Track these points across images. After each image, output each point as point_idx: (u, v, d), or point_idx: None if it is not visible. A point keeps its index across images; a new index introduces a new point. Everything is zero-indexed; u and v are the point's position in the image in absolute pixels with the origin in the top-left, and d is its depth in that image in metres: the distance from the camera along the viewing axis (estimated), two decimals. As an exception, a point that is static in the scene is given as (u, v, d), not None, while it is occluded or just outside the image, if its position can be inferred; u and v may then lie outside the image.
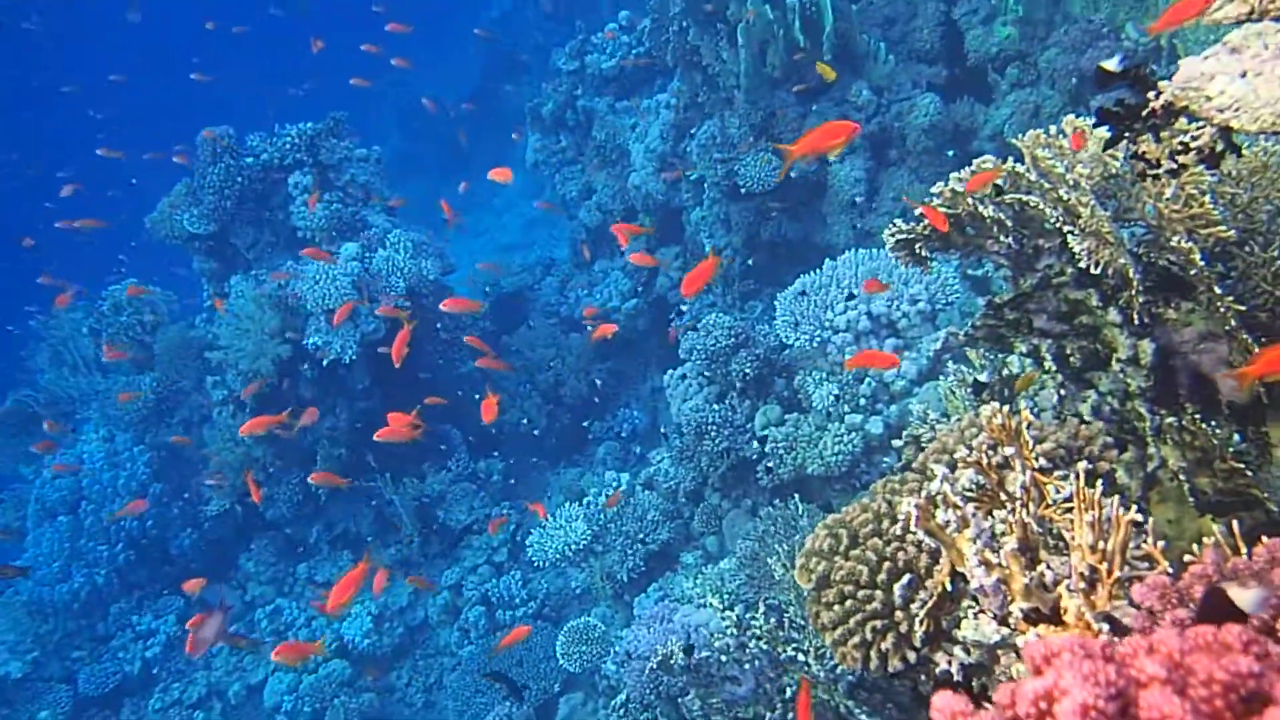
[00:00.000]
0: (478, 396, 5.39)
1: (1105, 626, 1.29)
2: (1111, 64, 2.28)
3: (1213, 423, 2.32)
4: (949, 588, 1.77)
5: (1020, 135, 2.53)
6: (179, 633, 6.30)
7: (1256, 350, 2.19)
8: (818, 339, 4.94)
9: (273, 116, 7.08)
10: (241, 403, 6.38)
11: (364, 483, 6.58)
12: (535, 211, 12.36)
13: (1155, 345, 2.38)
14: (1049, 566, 1.46)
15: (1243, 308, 2.16)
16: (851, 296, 4.90)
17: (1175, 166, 1.90)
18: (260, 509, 6.38)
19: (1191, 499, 2.30)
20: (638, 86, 8.09)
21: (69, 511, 6.64)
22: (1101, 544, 1.41)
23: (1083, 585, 1.35)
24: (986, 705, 0.64)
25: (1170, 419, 2.36)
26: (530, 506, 4.92)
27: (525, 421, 7.06)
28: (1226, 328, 2.17)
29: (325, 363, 6.11)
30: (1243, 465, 2.26)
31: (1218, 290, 2.18)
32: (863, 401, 4.69)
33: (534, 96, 9.21)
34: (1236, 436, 2.32)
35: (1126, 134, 1.94)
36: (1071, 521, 1.53)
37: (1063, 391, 2.55)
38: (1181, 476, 2.32)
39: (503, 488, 6.88)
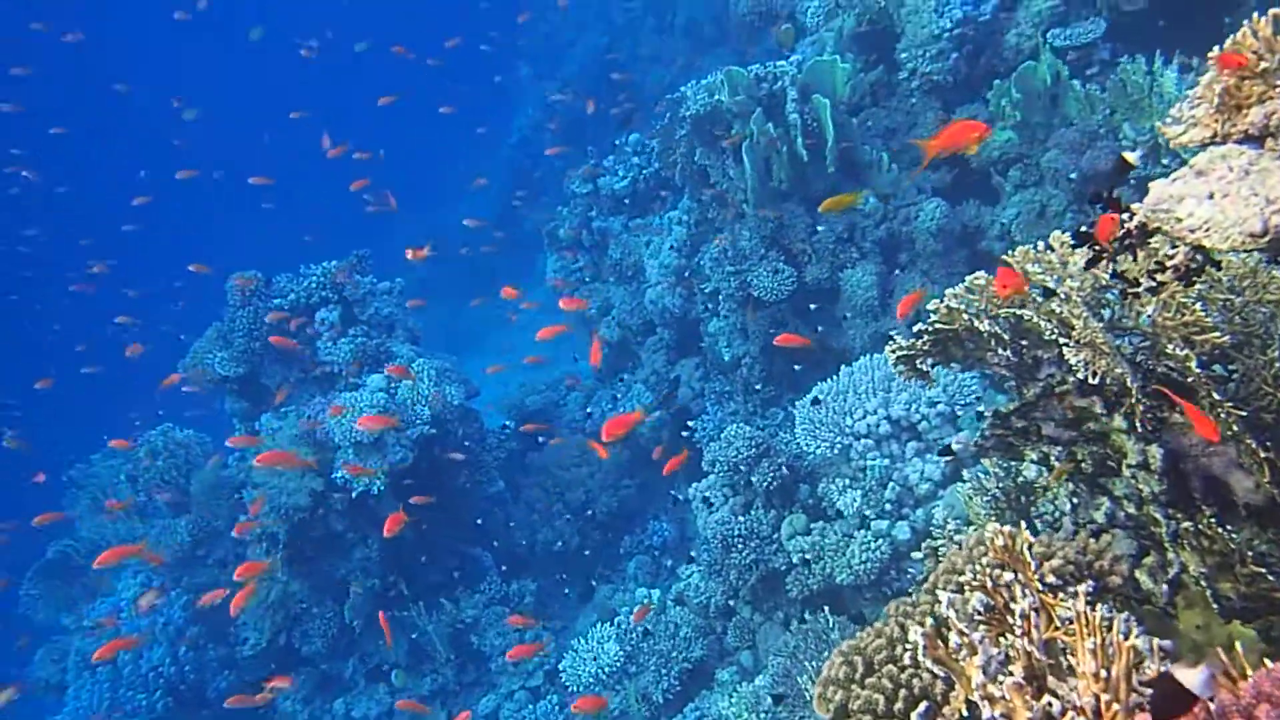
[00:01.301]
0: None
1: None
2: (1133, 156, 2.37)
3: (1229, 527, 2.31)
4: (965, 715, 1.76)
5: (1013, 250, 2.60)
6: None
7: (1262, 454, 2.20)
8: (839, 445, 4.96)
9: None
10: (276, 539, 6.45)
11: (398, 613, 6.58)
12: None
13: (1164, 450, 2.39)
14: (1057, 696, 1.46)
15: (1243, 413, 2.18)
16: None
17: (1155, 284, 1.96)
18: (295, 645, 6.38)
19: (1215, 605, 2.28)
20: (650, 205, 8.33)
21: (109, 662, 6.66)
22: (1104, 672, 1.41)
23: (1085, 718, 1.35)
24: None
25: (1186, 524, 2.35)
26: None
27: (559, 542, 7.07)
28: (1229, 433, 2.19)
29: (355, 494, 6.19)
30: (1263, 569, 2.24)
31: (1216, 396, 2.20)
32: (888, 507, 4.67)
33: (551, 218, 9.50)
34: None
35: (1105, 254, 2.00)
36: (1077, 649, 1.53)
37: (1075, 499, 2.56)
38: (1203, 582, 2.30)
39: (535, 608, 6.83)
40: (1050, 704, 1.43)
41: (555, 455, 7.79)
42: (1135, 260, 1.98)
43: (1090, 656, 1.43)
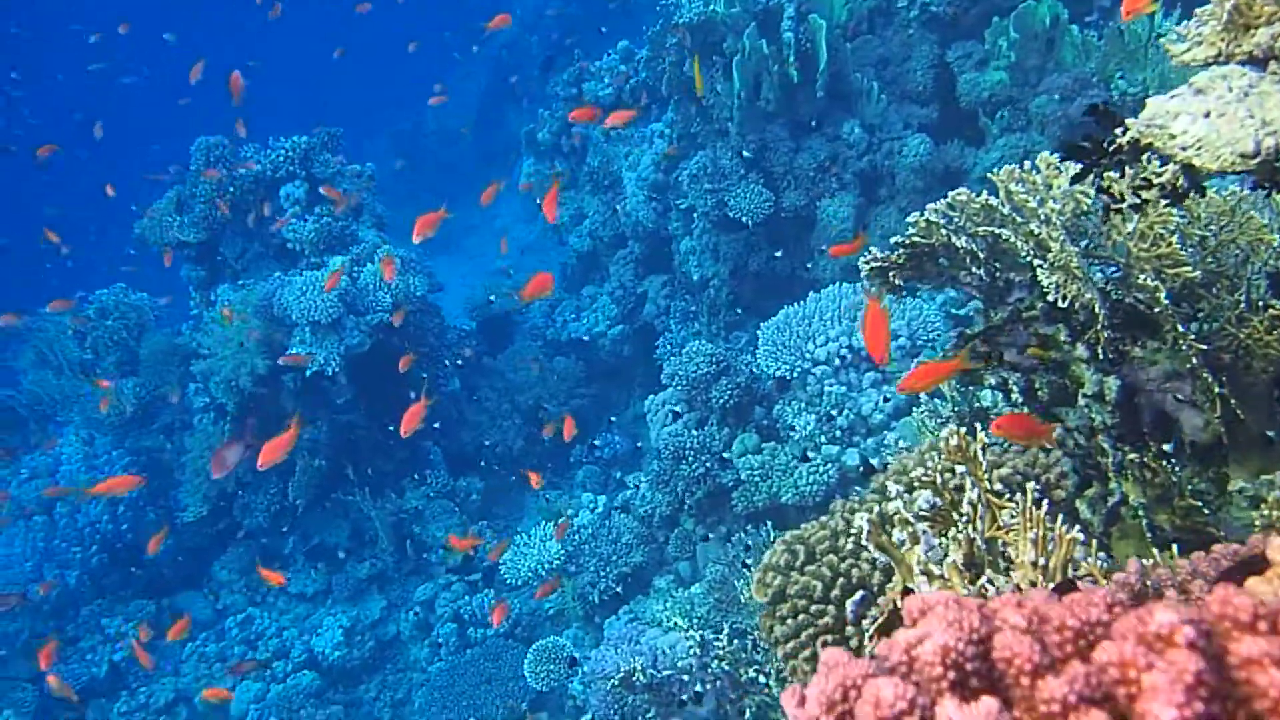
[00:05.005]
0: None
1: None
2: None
3: (1174, 461, 2.35)
4: (899, 605, 1.78)
5: (997, 171, 2.58)
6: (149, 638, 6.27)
7: (1217, 390, 2.23)
8: (798, 370, 4.97)
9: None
10: (224, 411, 6.37)
11: (343, 495, 6.56)
12: (529, 238, 12.44)
13: (1121, 382, 2.40)
14: (990, 583, 1.47)
15: (1204, 347, 2.19)
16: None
17: (1139, 202, 1.94)
18: (237, 517, 6.37)
19: (1150, 535, 2.32)
20: (640, 110, 8.17)
21: (44, 512, 6.59)
22: (1043, 560, 1.43)
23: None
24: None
25: (1132, 455, 2.38)
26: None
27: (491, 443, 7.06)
28: (1188, 366, 2.20)
29: (308, 373, 6.11)
30: (1200, 504, 2.28)
31: (1181, 329, 2.21)
32: (839, 433, 4.71)
33: (531, 122, 9.30)
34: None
35: (1093, 169, 1.98)
36: (1018, 542, 1.55)
37: (1028, 424, 2.58)
38: (1141, 513, 2.34)
39: (480, 507, 6.86)
40: (984, 588, 1.45)
41: (511, 360, 7.75)
42: (1122, 176, 1.96)
43: (1031, 546, 1.45)
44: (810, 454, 4.72)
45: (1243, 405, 2.26)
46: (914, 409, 4.06)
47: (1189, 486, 2.35)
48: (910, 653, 0.59)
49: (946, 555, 1.60)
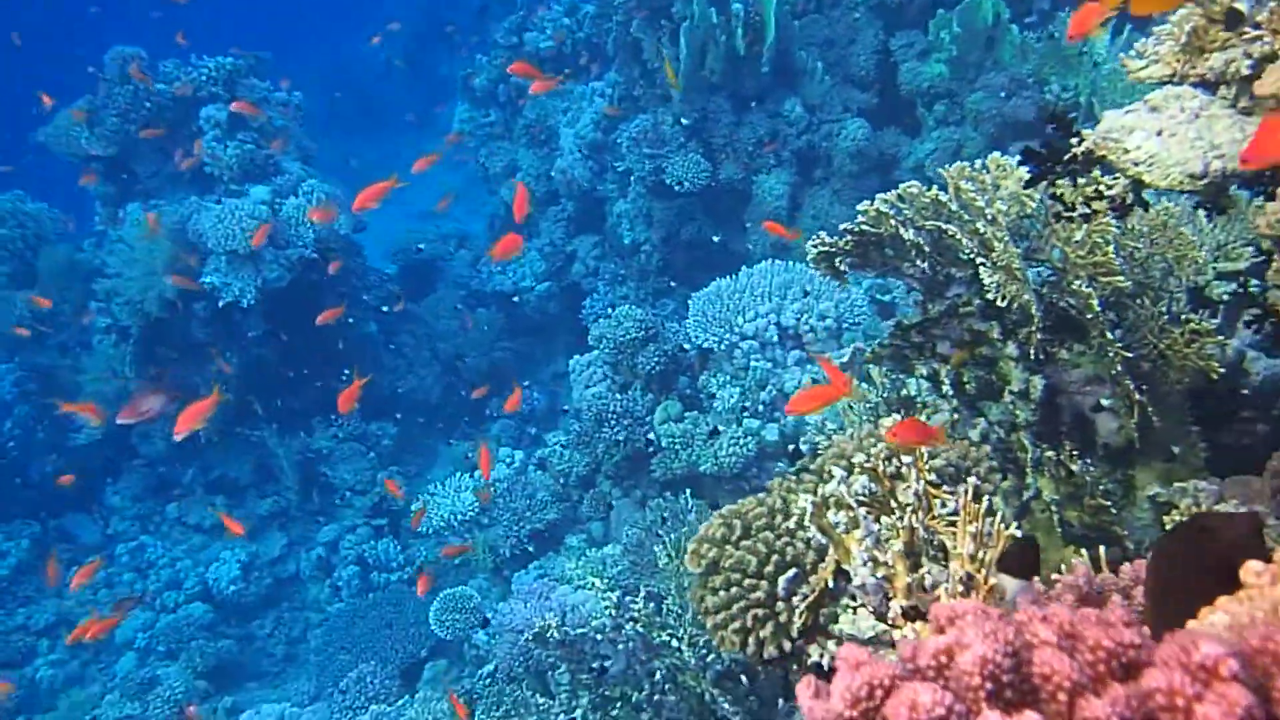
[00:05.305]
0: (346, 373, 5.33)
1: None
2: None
3: (1087, 461, 2.46)
4: (831, 585, 1.84)
5: (946, 166, 2.63)
6: (31, 558, 6.03)
7: (1136, 396, 2.33)
8: (726, 342, 5.03)
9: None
10: (127, 333, 6.12)
11: (248, 430, 6.39)
12: (455, 183, 12.19)
13: (1046, 382, 2.50)
14: (929, 572, 1.53)
15: (1129, 354, 2.30)
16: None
17: (1088, 211, 2.01)
18: (134, 444, 6.15)
19: (1059, 530, 2.44)
20: (575, 71, 8.05)
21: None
22: (980, 554, 1.49)
23: (960, 589, 1.43)
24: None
25: (1050, 453, 2.49)
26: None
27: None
28: (1112, 372, 2.31)
29: (221, 304, 5.90)
30: (1108, 504, 2.40)
31: (1109, 335, 2.31)
32: (761, 408, 4.79)
33: (467, 66, 9.08)
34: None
35: (1047, 176, 2.05)
36: (954, 533, 1.61)
37: (956, 416, 2.67)
38: (1053, 508, 2.45)
39: (392, 453, 6.77)
40: (925, 575, 1.51)
41: (433, 307, 7.63)
42: (1075, 185, 2.03)
43: (970, 539, 1.51)
44: (721, 429, 4.80)
45: (1157, 413, 2.37)
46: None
47: (1099, 487, 2.47)
48: (940, 659, 0.61)
49: (885, 540, 1.65)
